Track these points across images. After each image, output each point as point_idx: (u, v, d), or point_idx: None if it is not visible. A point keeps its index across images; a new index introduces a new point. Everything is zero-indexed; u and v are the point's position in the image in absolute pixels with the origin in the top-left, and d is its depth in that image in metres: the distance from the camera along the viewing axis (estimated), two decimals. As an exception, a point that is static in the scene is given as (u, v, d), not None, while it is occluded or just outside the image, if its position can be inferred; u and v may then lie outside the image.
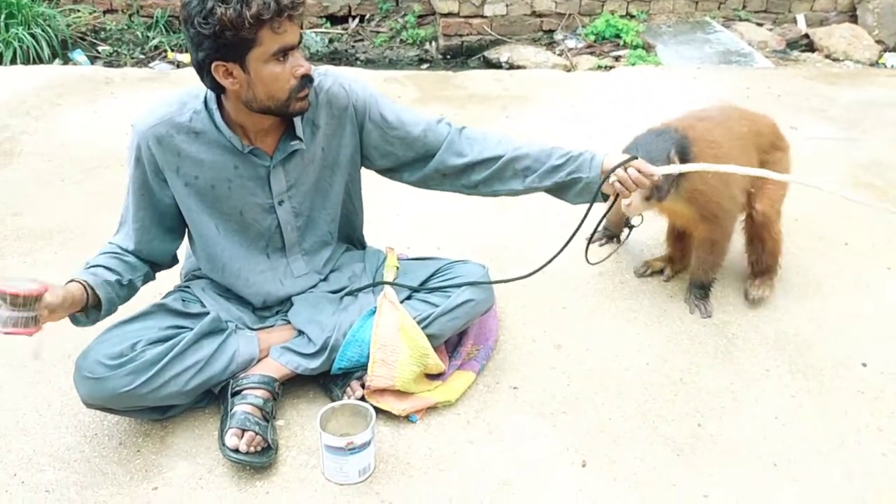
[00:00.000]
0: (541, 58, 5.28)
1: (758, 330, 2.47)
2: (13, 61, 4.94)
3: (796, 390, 2.24)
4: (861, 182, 3.36)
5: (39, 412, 2.13)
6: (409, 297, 2.21)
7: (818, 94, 4.43)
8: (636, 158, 2.06)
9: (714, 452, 2.04)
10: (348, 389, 2.12)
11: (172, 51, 5.35)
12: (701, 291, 2.56)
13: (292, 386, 2.17)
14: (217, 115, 1.97)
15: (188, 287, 2.20)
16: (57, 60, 5.10)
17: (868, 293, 2.66)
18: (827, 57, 5.38)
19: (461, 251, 2.74)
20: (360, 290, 2.22)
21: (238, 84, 1.86)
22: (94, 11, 5.53)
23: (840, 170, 3.46)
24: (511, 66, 5.24)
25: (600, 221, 2.30)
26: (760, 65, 5.07)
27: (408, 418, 2.11)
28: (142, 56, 5.36)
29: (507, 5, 5.46)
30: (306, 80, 1.90)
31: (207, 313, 2.09)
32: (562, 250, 2.16)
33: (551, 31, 5.58)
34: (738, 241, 2.59)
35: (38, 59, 5.02)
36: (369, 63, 5.50)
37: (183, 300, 2.14)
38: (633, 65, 5.03)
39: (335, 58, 5.53)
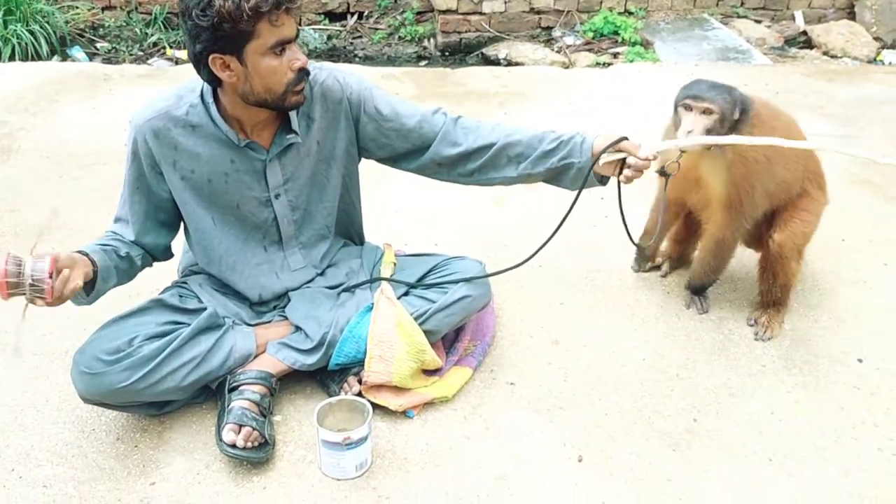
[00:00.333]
0: (539, 55, 5.28)
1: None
2: (11, 58, 4.93)
3: (792, 386, 2.25)
4: (858, 179, 3.36)
5: (37, 407, 2.13)
6: (406, 294, 2.21)
7: (816, 91, 4.43)
8: (626, 139, 2.05)
9: (710, 448, 2.04)
10: (345, 385, 2.12)
11: (171, 47, 5.35)
12: (699, 292, 2.56)
13: (289, 381, 2.17)
14: (213, 108, 1.97)
15: (185, 283, 2.21)
16: (55, 57, 5.10)
17: (865, 289, 2.66)
18: (825, 54, 5.38)
19: (459, 247, 2.74)
20: (357, 286, 2.23)
21: (235, 77, 1.87)
22: (93, 8, 5.52)
23: (837, 166, 3.46)
24: (509, 63, 5.24)
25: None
26: (758, 62, 5.07)
27: (405, 414, 2.11)
28: (140, 53, 5.36)
29: (505, 2, 5.46)
30: (303, 73, 1.91)
31: (205, 309, 2.09)
32: (553, 235, 2.15)
33: (549, 28, 5.58)
34: (741, 254, 2.57)
35: (37, 56, 5.02)
36: (368, 60, 5.49)
37: (180, 296, 2.15)
38: (632, 62, 5.03)
39: (334, 54, 5.52)
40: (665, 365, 2.32)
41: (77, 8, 5.46)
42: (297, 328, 2.14)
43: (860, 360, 2.34)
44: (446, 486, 1.92)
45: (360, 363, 2.10)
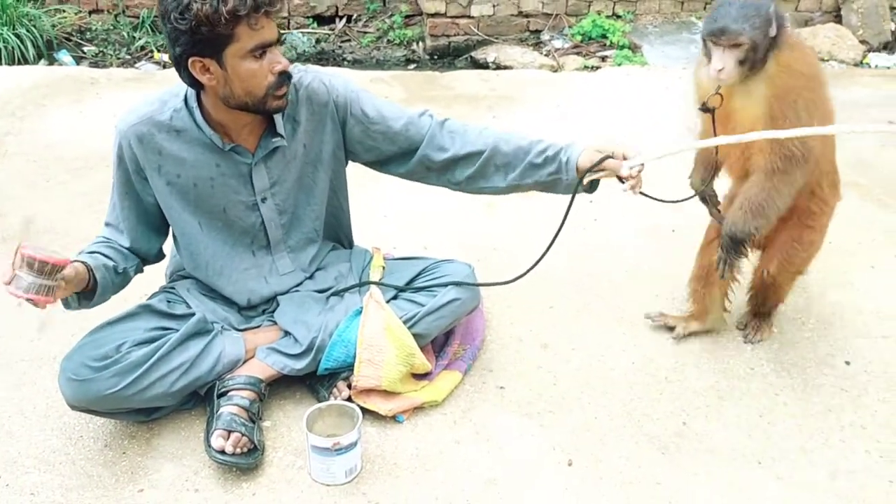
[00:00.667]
0: (528, 58, 5.29)
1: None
2: (-2, 62, 4.92)
3: (780, 388, 2.25)
4: (846, 181, 3.35)
5: (24, 414, 2.12)
6: (395, 297, 2.21)
7: (803, 94, 4.44)
8: (609, 157, 2.00)
9: (699, 451, 2.05)
10: (335, 390, 2.12)
11: (158, 51, 5.33)
12: (733, 247, 2.13)
13: (279, 387, 2.17)
14: (197, 112, 1.97)
15: (173, 288, 2.20)
16: (42, 61, 5.07)
17: (852, 291, 2.67)
18: (812, 57, 5.41)
19: (448, 251, 2.74)
20: (346, 290, 2.22)
21: (215, 80, 1.86)
22: (80, 12, 5.50)
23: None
24: (498, 67, 5.24)
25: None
26: (746, 65, 5.09)
27: (394, 418, 2.11)
28: (128, 56, 5.33)
29: (493, 6, 5.47)
30: (284, 76, 1.90)
31: (193, 314, 2.09)
32: (545, 253, 2.13)
33: (538, 32, 5.59)
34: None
35: (24, 60, 4.99)
36: (356, 63, 5.49)
37: (168, 301, 2.14)
38: (620, 65, 5.04)
39: (322, 58, 5.52)
40: (654, 368, 2.33)
41: (64, 12, 5.43)
42: (286, 333, 2.14)
43: (847, 363, 2.35)
44: (436, 491, 1.92)
45: (350, 368, 2.10)
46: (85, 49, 5.35)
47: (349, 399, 2.09)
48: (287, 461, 2.00)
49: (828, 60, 5.29)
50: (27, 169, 3.45)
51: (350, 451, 1.89)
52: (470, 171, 2.14)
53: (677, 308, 2.54)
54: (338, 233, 2.35)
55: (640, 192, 2.03)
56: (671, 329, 2.44)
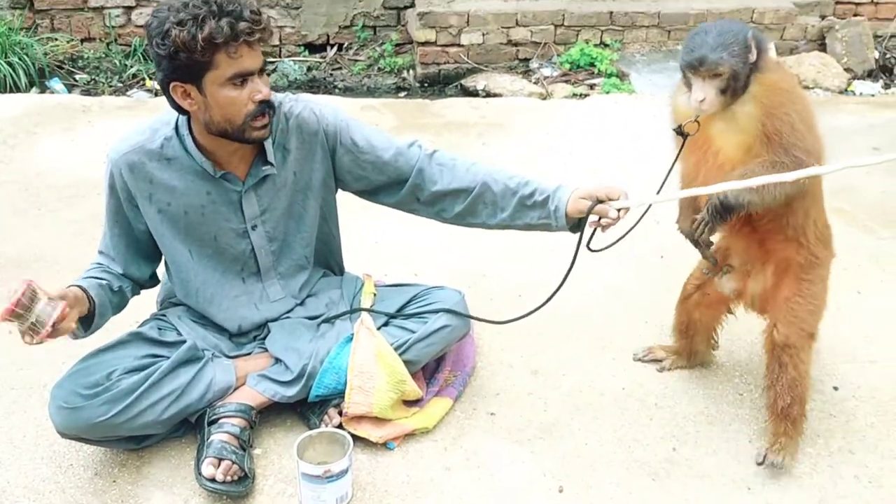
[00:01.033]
0: (517, 86, 5.34)
1: (731, 354, 2.50)
2: (-11, 90, 4.92)
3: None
4: (831, 207, 3.39)
5: (14, 443, 2.11)
6: (386, 324, 2.22)
7: (789, 122, 4.49)
8: (600, 202, 1.97)
9: (689, 476, 2.06)
10: (325, 417, 2.12)
11: (150, 79, 5.35)
12: (720, 213, 1.95)
13: (269, 414, 2.16)
14: (188, 140, 1.99)
15: (164, 315, 2.20)
16: (34, 89, 5.08)
17: (840, 317, 2.68)
18: (797, 85, 5.47)
19: (439, 278, 2.75)
20: (337, 316, 2.23)
21: (196, 106, 1.89)
22: (72, 40, 5.52)
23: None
24: (488, 94, 5.29)
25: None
26: (732, 92, 5.14)
27: (385, 445, 2.11)
28: (120, 84, 5.35)
29: (483, 34, 5.52)
30: (264, 105, 1.91)
31: (184, 341, 2.09)
32: (545, 304, 2.14)
33: (527, 60, 5.64)
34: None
35: (16, 88, 5.00)
36: (347, 91, 5.52)
37: (159, 328, 2.14)
38: (608, 93, 5.09)
39: (314, 86, 5.55)
40: (644, 394, 2.34)
41: (56, 40, 5.45)
42: (277, 360, 2.14)
43: (836, 388, 2.37)
44: (427, 518, 1.92)
45: (341, 394, 2.10)
46: (77, 77, 5.37)
47: (340, 426, 2.09)
48: (278, 489, 1.99)
49: (813, 88, 5.35)
50: (18, 197, 3.45)
51: (341, 478, 1.89)
52: (459, 208, 2.15)
53: (666, 333, 2.54)
54: (329, 260, 2.36)
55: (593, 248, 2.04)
56: (659, 361, 2.46)
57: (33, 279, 1.74)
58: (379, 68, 5.74)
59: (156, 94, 5.14)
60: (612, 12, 5.63)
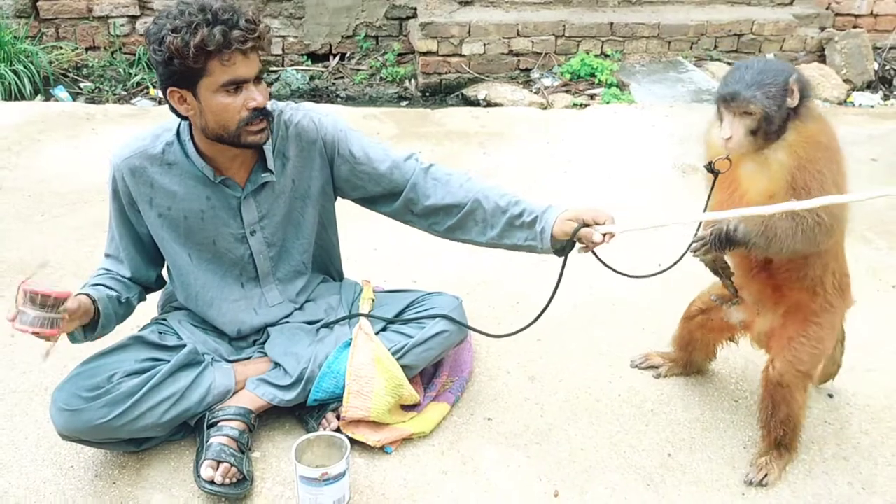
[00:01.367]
0: (517, 96, 5.38)
1: (727, 361, 2.51)
2: (-6, 97, 4.97)
3: (764, 420, 2.28)
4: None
5: (15, 445, 2.13)
6: (384, 329, 2.24)
7: (788, 132, 4.51)
8: (586, 226, 1.97)
9: (684, 482, 2.07)
10: (324, 421, 2.14)
11: (154, 87, 5.39)
12: (722, 241, 1.89)
13: (268, 418, 2.18)
14: (189, 146, 2.02)
15: (165, 319, 2.23)
16: (39, 97, 5.13)
17: (835, 325, 2.71)
18: (797, 96, 5.49)
19: (437, 284, 2.77)
20: (335, 322, 2.25)
21: (192, 111, 1.92)
22: (77, 48, 5.57)
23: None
24: (488, 104, 5.33)
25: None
26: (732, 103, 5.16)
27: (383, 449, 2.13)
28: (124, 92, 5.40)
29: (484, 45, 5.56)
30: (258, 112, 1.93)
31: (184, 345, 2.11)
32: (539, 316, 2.17)
33: (528, 70, 5.69)
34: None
35: (20, 96, 5.05)
36: (350, 100, 5.57)
37: (160, 332, 2.17)
38: (608, 103, 5.13)
39: (316, 94, 5.60)
40: (640, 400, 2.36)
41: (61, 48, 5.51)
42: (276, 364, 2.16)
43: (831, 396, 2.38)
44: (423, 522, 1.94)
45: (339, 399, 2.12)
46: (81, 85, 5.42)
47: (338, 430, 2.11)
48: (276, 492, 2.01)
49: (812, 99, 5.38)
50: (22, 203, 3.48)
51: (338, 481, 1.91)
52: (451, 222, 2.17)
53: (663, 340, 2.56)
54: (328, 265, 2.38)
55: (603, 263, 2.04)
56: (655, 368, 2.47)
57: (27, 280, 1.75)
58: (381, 78, 5.78)
59: (159, 103, 5.18)
60: (612, 23, 5.68)
